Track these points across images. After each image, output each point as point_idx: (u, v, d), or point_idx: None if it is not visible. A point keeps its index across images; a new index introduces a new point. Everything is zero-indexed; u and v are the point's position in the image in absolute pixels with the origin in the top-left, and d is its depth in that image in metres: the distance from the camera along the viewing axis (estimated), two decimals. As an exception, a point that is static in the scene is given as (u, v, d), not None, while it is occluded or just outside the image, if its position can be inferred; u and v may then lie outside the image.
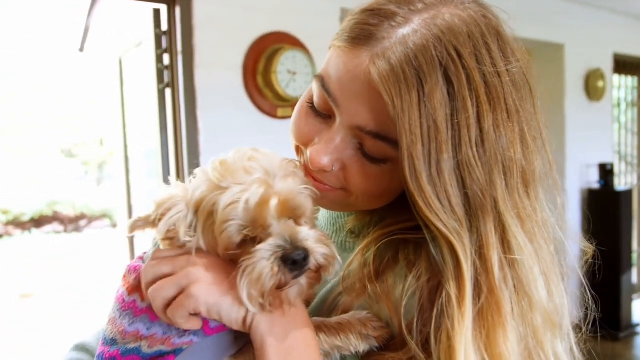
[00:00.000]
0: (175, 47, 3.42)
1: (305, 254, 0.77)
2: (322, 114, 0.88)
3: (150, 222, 0.82)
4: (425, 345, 0.80)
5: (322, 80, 0.86)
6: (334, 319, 0.88)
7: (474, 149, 0.77)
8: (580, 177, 5.65)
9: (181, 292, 0.78)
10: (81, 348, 1.04)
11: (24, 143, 14.09)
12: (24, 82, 13.94)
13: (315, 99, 0.88)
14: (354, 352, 0.85)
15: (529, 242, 0.81)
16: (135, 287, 0.85)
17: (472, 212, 0.78)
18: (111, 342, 0.84)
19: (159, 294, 0.78)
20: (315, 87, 0.88)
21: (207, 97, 3.44)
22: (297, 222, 0.82)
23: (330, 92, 0.84)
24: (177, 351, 0.81)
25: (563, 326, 0.86)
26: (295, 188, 0.81)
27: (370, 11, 0.82)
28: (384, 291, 0.86)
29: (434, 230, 0.78)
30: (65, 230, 14.32)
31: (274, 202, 0.77)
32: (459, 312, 0.76)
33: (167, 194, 0.82)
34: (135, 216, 0.83)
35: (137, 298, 0.84)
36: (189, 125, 3.41)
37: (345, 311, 0.90)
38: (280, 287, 0.77)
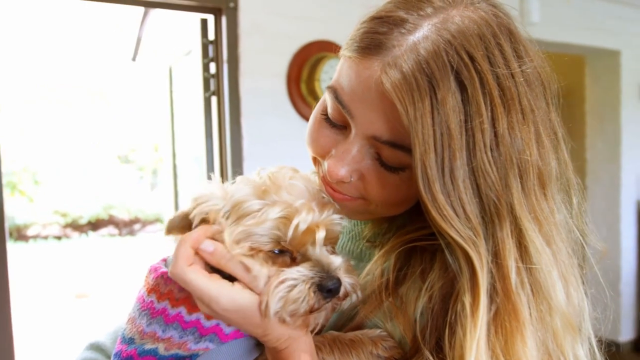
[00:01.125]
0: (221, 56, 3.50)
1: (339, 284, 0.80)
2: (337, 124, 0.88)
3: (187, 217, 0.84)
4: (439, 354, 0.79)
5: (334, 92, 0.85)
6: (348, 335, 0.88)
7: (489, 153, 0.75)
8: (637, 188, 5.42)
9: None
10: (95, 347, 1.07)
11: (83, 149, 14.66)
12: (82, 90, 14.53)
13: (329, 111, 0.88)
14: None
15: (546, 245, 0.79)
16: (154, 288, 0.87)
17: (488, 218, 0.77)
18: (129, 341, 0.86)
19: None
20: (328, 99, 0.87)
21: (251, 105, 3.50)
22: (327, 248, 0.85)
23: (343, 104, 0.83)
24: (193, 356, 0.83)
25: (583, 329, 0.84)
26: (335, 219, 0.84)
27: (379, 19, 0.81)
28: (398, 306, 0.86)
29: (449, 239, 0.77)
30: (120, 234, 14.78)
31: (321, 234, 0.81)
32: (471, 321, 0.75)
33: (205, 191, 0.85)
34: (172, 215, 0.86)
35: (154, 299, 0.86)
36: (233, 131, 3.47)
37: (359, 323, 0.90)
38: (311, 311, 0.79)
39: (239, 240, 0.80)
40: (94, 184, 14.52)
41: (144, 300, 0.87)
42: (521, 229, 0.77)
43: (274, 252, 0.81)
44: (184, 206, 0.86)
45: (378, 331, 0.88)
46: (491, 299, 0.76)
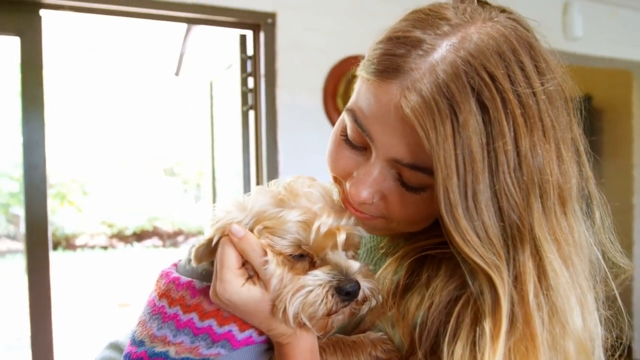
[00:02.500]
0: (259, 71, 3.56)
1: (358, 287, 0.81)
2: (357, 146, 0.88)
3: (211, 243, 0.86)
4: (432, 357, 0.80)
5: (353, 115, 0.85)
6: (350, 337, 0.90)
7: (512, 174, 0.74)
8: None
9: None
10: (115, 347, 1.09)
11: (129, 162, 15.07)
12: (129, 105, 14.99)
13: (349, 132, 0.88)
14: None
15: (565, 268, 0.77)
16: (165, 293, 0.89)
17: (510, 241, 0.76)
18: (139, 343, 0.88)
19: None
20: (347, 121, 0.87)
21: (288, 119, 3.54)
22: (348, 254, 0.87)
23: (363, 127, 0.83)
24: None
25: (595, 354, 0.82)
26: (354, 226, 0.86)
27: (395, 39, 0.80)
28: (402, 313, 0.86)
29: (472, 264, 0.76)
30: (164, 245, 15.05)
31: (342, 237, 0.83)
32: (491, 347, 0.74)
33: (220, 212, 0.87)
34: (196, 244, 0.87)
35: (165, 304, 0.87)
36: (269, 145, 3.51)
37: (365, 329, 0.91)
38: (329, 314, 0.80)
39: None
40: (139, 196, 14.87)
41: (154, 305, 0.89)
42: (541, 252, 0.76)
43: (293, 256, 0.82)
44: (207, 233, 0.88)
45: (379, 334, 0.89)
46: (511, 323, 0.75)
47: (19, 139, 3.06)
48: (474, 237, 0.74)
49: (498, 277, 0.74)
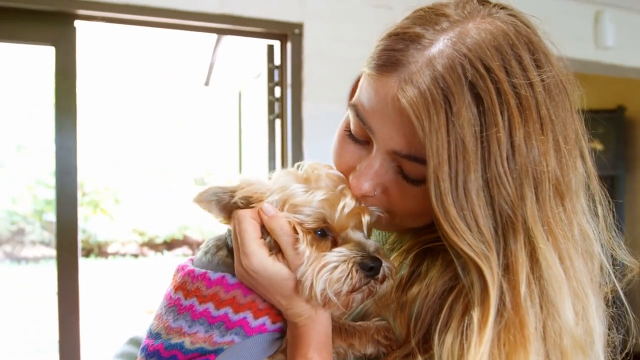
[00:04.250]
0: (285, 80, 3.60)
1: (380, 263, 0.85)
2: (360, 140, 0.90)
3: (223, 193, 0.89)
4: (424, 345, 0.81)
5: (356, 109, 0.87)
6: (356, 323, 0.93)
7: (505, 163, 0.75)
8: None
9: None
10: (134, 342, 1.12)
11: (161, 171, 15.30)
12: (161, 114, 15.26)
13: (352, 127, 0.90)
14: (363, 352, 0.89)
15: (558, 259, 0.77)
16: (181, 286, 0.91)
17: (501, 231, 0.76)
18: (155, 335, 0.91)
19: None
20: (350, 115, 0.90)
21: (313, 128, 3.56)
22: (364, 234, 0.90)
23: (364, 120, 0.85)
24: (217, 351, 0.87)
25: (594, 350, 0.81)
26: (373, 208, 0.89)
27: (395, 35, 0.82)
28: (401, 305, 0.87)
29: (460, 253, 0.76)
30: (193, 254, 15.18)
31: (367, 218, 0.87)
32: (478, 336, 0.74)
33: (250, 177, 0.91)
34: (215, 186, 0.89)
35: (181, 296, 0.90)
36: (294, 154, 3.54)
37: (365, 316, 0.95)
38: (352, 290, 0.84)
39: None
40: (170, 205, 15.08)
41: (170, 298, 0.92)
42: (533, 242, 0.76)
43: (316, 234, 0.86)
44: (222, 183, 0.90)
45: (384, 322, 0.92)
46: (499, 312, 0.75)
47: (53, 146, 3.15)
48: (463, 226, 0.75)
49: (487, 267, 0.75)
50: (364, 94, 0.86)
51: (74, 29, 3.14)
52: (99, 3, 3.07)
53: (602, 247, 0.85)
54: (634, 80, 5.05)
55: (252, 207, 0.88)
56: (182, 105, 15.12)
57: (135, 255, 14.58)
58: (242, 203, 0.89)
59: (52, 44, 3.11)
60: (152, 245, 14.97)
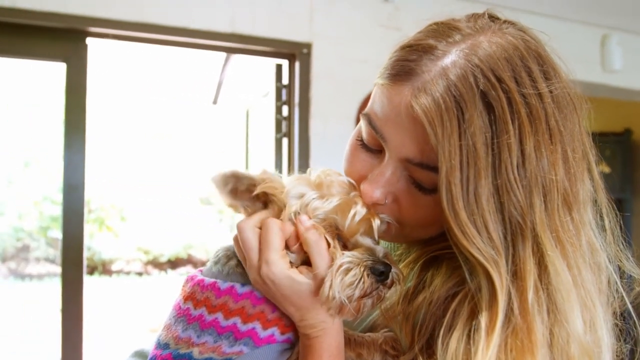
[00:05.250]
0: (293, 99, 3.62)
1: (390, 267, 0.86)
2: (372, 149, 0.91)
3: (250, 182, 0.88)
4: (427, 350, 0.82)
5: (368, 118, 0.89)
6: (364, 334, 0.94)
7: (515, 171, 0.76)
8: None
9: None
10: (140, 354, 1.11)
11: (167, 189, 15.34)
12: (167, 132, 15.35)
13: (364, 136, 0.91)
14: None
15: (567, 268, 0.78)
16: (190, 296, 0.91)
17: (510, 237, 0.77)
18: (164, 346, 0.90)
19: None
20: (363, 125, 0.91)
21: (320, 147, 3.57)
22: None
23: (377, 129, 0.87)
24: None
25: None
26: (383, 215, 0.90)
27: (409, 47, 0.84)
28: (406, 314, 0.88)
29: (470, 258, 0.77)
30: (198, 273, 15.13)
31: (377, 223, 0.88)
32: (485, 340, 0.74)
33: (273, 174, 0.91)
34: (235, 169, 0.88)
35: (190, 306, 0.90)
36: (301, 173, 3.53)
37: (373, 328, 0.95)
38: (364, 295, 0.84)
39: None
40: (175, 224, 15.08)
41: (180, 308, 0.92)
42: (542, 250, 0.77)
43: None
44: (245, 171, 0.89)
45: (391, 333, 0.92)
46: (507, 318, 0.76)
47: (61, 162, 3.17)
48: (473, 230, 0.76)
49: (495, 272, 0.76)
50: (377, 103, 0.87)
51: (85, 46, 3.18)
52: (111, 21, 3.12)
53: (610, 261, 0.86)
54: (639, 103, 5.07)
55: (270, 208, 0.89)
56: (190, 123, 15.21)
57: (140, 274, 14.54)
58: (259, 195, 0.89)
59: (63, 60, 3.15)
60: (156, 264, 14.94)
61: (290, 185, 0.90)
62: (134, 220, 14.76)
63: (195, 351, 0.86)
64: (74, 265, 3.17)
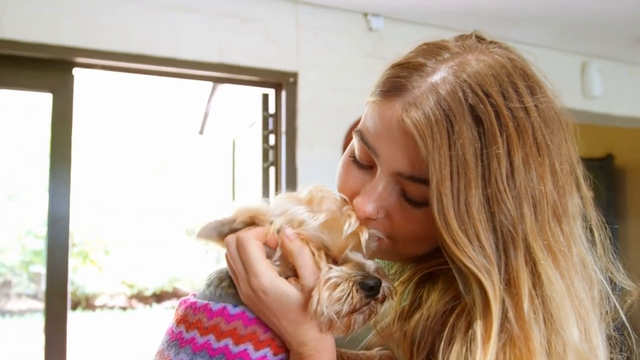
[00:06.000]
0: (280, 128, 3.64)
1: (380, 282, 0.85)
2: (364, 165, 0.92)
3: (223, 225, 0.89)
4: None
5: (360, 134, 0.90)
6: (359, 352, 0.92)
7: (505, 181, 0.77)
8: None
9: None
10: None
11: (152, 221, 15.20)
12: (153, 164, 15.29)
13: (357, 152, 0.92)
14: None
15: (560, 277, 0.78)
16: (183, 318, 0.90)
17: (502, 247, 0.78)
18: None
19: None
20: (355, 141, 0.92)
21: (308, 175, 3.58)
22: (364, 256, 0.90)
23: (369, 144, 0.88)
24: None
25: None
26: (372, 231, 0.89)
27: (399, 65, 0.87)
28: (403, 332, 0.87)
29: (462, 268, 0.78)
30: (183, 307, 14.89)
31: (365, 236, 0.87)
32: (482, 351, 0.74)
33: (248, 203, 0.91)
34: (214, 220, 0.90)
35: (183, 329, 0.89)
36: (289, 201, 3.53)
37: (369, 348, 0.93)
38: (353, 311, 0.83)
39: None
40: (161, 256, 14.90)
41: (172, 332, 0.90)
42: (534, 258, 0.78)
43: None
44: (219, 216, 0.90)
45: (387, 352, 0.92)
46: (502, 327, 0.76)
47: (46, 193, 3.14)
48: (465, 239, 0.76)
49: (488, 281, 0.76)
50: (368, 119, 0.89)
51: (72, 76, 3.19)
52: (98, 51, 3.13)
53: (601, 273, 0.87)
54: (621, 129, 5.16)
55: (254, 228, 0.89)
56: (176, 153, 15.18)
57: (124, 308, 14.28)
58: (243, 226, 0.89)
59: (49, 91, 3.15)
60: (141, 298, 14.69)
61: (276, 204, 0.90)
62: (118, 254, 14.56)
63: None
64: (57, 298, 3.11)
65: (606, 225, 0.90)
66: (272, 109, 3.73)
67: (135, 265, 14.54)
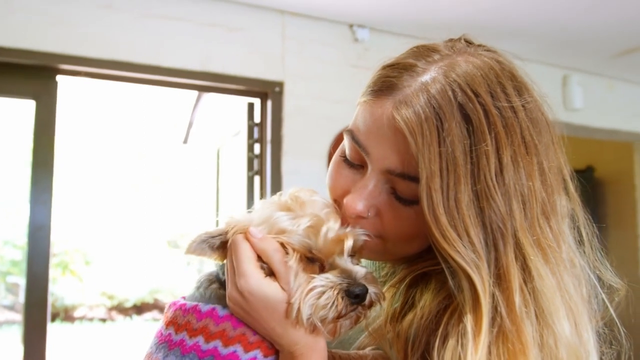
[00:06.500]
0: (265, 137, 3.64)
1: (366, 290, 0.85)
2: (355, 164, 0.93)
3: (213, 238, 0.89)
4: None
5: (351, 133, 0.91)
6: (351, 352, 0.93)
7: (494, 178, 0.78)
8: None
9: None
10: None
11: (134, 232, 15.04)
12: (135, 174, 15.14)
13: (347, 152, 0.93)
14: None
15: (550, 273, 0.79)
16: (172, 321, 0.89)
17: (491, 242, 0.79)
18: None
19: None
20: (346, 141, 0.94)
21: (293, 184, 3.55)
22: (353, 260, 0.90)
23: (359, 142, 0.89)
24: None
25: None
26: (358, 232, 0.90)
27: (390, 66, 0.89)
28: (397, 332, 0.87)
29: (452, 263, 0.78)
30: (164, 319, 14.71)
31: (349, 243, 0.87)
32: (473, 344, 0.75)
33: (236, 216, 0.91)
34: (203, 233, 0.90)
35: (172, 331, 0.88)
36: (274, 210, 3.52)
37: (361, 349, 0.93)
38: (338, 317, 0.83)
39: None
40: (142, 267, 14.73)
41: (161, 335, 0.89)
42: (524, 254, 0.79)
43: (306, 258, 0.86)
44: (210, 229, 0.91)
45: (380, 351, 0.91)
46: (493, 321, 0.76)
47: (27, 200, 3.09)
48: (454, 234, 0.77)
49: (477, 275, 0.77)
50: (359, 119, 0.90)
51: (55, 83, 3.16)
52: (83, 58, 3.11)
53: (590, 271, 0.88)
54: (601, 141, 5.25)
55: None
56: (160, 162, 15.06)
57: (103, 320, 14.06)
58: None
59: (32, 98, 3.11)
60: (121, 309, 14.48)
61: (259, 213, 0.90)
62: (99, 264, 14.35)
63: None
64: (37, 309, 3.05)
65: (594, 224, 0.91)
66: (257, 118, 3.73)
67: (115, 277, 14.35)
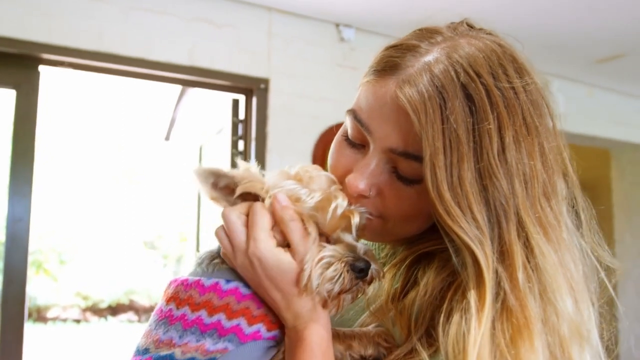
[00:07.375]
0: (249, 134, 3.63)
1: (369, 265, 0.87)
2: (357, 144, 0.93)
3: (231, 180, 0.89)
4: (428, 340, 0.82)
5: (354, 113, 0.92)
6: (355, 329, 0.93)
7: (496, 157, 0.79)
8: None
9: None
10: None
11: (110, 231, 14.84)
12: (114, 171, 14.94)
13: (349, 131, 0.94)
14: (362, 354, 0.88)
15: (552, 251, 0.81)
16: (173, 296, 0.89)
17: (494, 219, 0.79)
18: (144, 352, 0.87)
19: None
20: (348, 120, 0.94)
21: (276, 181, 3.56)
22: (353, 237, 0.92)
23: (362, 122, 0.89)
24: None
25: (591, 340, 0.83)
26: (362, 210, 0.90)
27: (393, 47, 0.89)
28: (400, 310, 0.88)
29: (455, 239, 0.79)
30: (139, 320, 14.53)
31: (357, 220, 0.88)
32: (476, 318, 0.75)
33: (253, 171, 0.92)
34: (216, 167, 0.89)
35: (173, 307, 0.88)
36: (257, 207, 3.51)
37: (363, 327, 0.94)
38: (343, 291, 0.85)
39: None
40: (117, 268, 14.54)
41: (161, 311, 0.89)
42: (527, 232, 0.80)
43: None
44: (223, 168, 0.90)
45: (382, 328, 0.92)
46: (497, 296, 0.77)
47: (5, 192, 3.03)
48: (458, 210, 0.78)
49: (480, 250, 0.77)
50: (362, 98, 0.91)
51: (37, 73, 3.11)
52: (66, 48, 3.06)
53: (589, 251, 0.90)
54: (579, 146, 5.34)
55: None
56: (141, 160, 14.87)
57: (77, 321, 13.84)
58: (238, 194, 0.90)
59: (13, 87, 3.06)
60: (95, 310, 14.27)
61: (272, 181, 0.90)
62: (74, 264, 14.12)
63: (177, 352, 0.83)
64: (14, 306, 2.99)
65: (592, 207, 0.93)
66: (242, 115, 3.71)
67: (90, 277, 14.13)
